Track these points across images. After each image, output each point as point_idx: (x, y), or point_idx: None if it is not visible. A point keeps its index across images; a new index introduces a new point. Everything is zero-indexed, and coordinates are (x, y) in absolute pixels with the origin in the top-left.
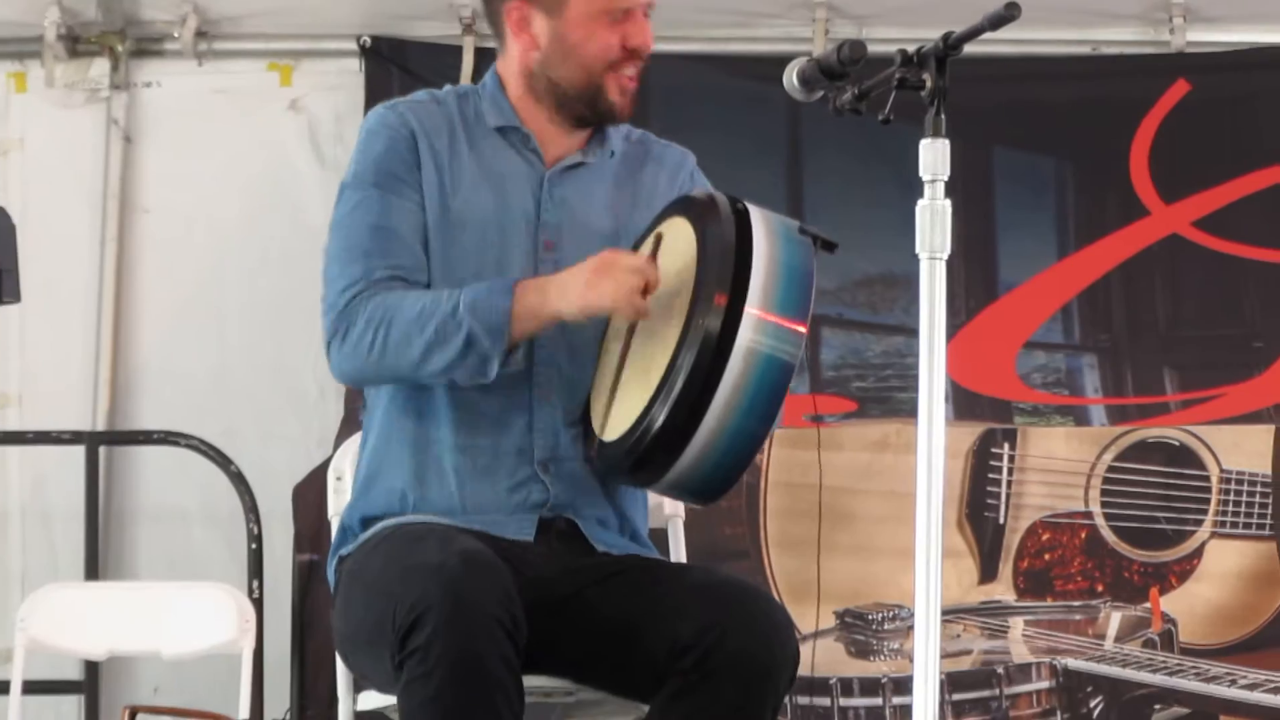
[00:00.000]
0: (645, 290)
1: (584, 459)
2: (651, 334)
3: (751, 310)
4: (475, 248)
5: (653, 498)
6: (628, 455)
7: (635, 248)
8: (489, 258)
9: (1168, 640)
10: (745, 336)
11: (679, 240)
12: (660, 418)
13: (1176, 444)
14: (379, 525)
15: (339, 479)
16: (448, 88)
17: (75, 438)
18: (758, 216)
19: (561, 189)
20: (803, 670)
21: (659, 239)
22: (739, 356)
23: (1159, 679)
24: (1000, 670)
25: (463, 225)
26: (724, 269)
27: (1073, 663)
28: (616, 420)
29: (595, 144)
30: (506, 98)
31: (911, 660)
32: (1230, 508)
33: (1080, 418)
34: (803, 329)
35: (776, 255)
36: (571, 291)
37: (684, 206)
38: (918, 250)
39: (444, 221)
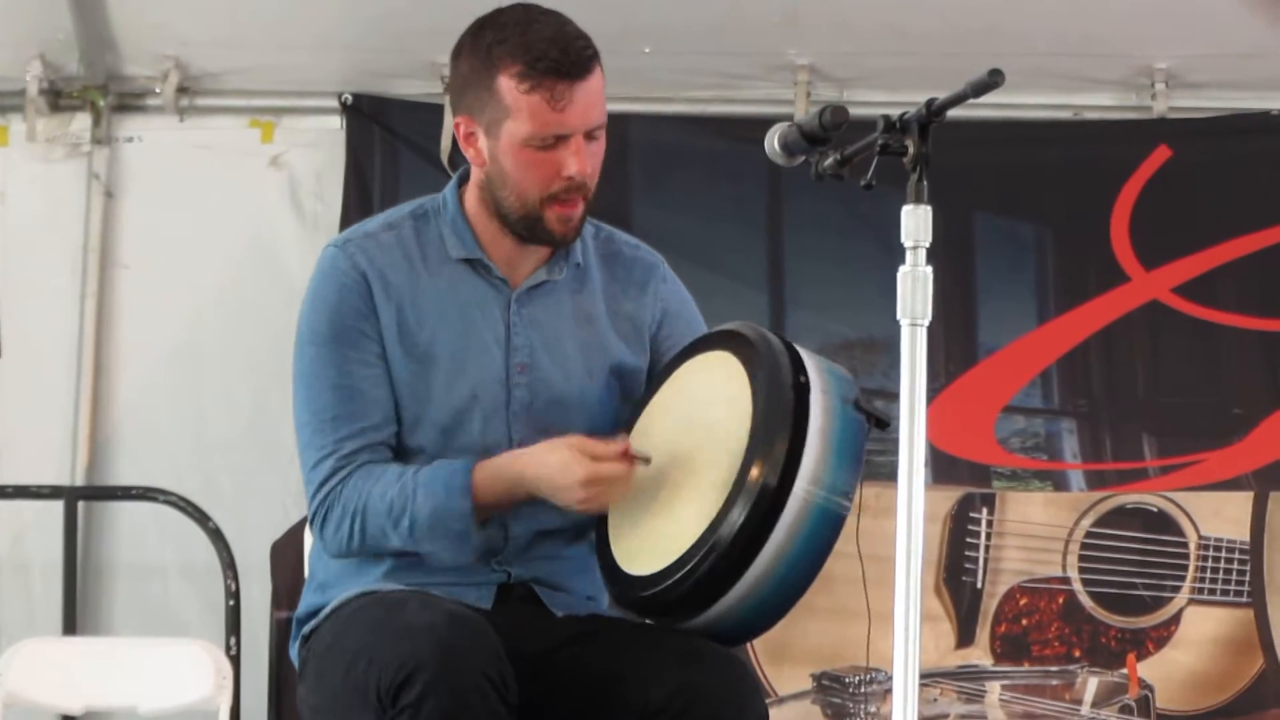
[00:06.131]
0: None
1: (603, 582)
2: (691, 469)
3: (806, 473)
4: (447, 381)
5: None
6: (659, 597)
7: (654, 385)
8: (461, 391)
9: (1144, 706)
10: (800, 492)
11: (724, 378)
12: (703, 569)
13: (1155, 510)
14: (345, 595)
15: None
16: (405, 211)
17: (54, 492)
18: (812, 365)
19: (530, 309)
20: None
21: (682, 374)
22: (791, 513)
23: None
24: None
25: (432, 359)
26: (782, 422)
27: None
28: (644, 555)
29: (559, 258)
30: (467, 222)
31: None
32: (1208, 575)
33: (1059, 483)
34: (854, 483)
35: (832, 418)
36: (543, 489)
37: (727, 341)
38: (899, 316)
39: (412, 357)
